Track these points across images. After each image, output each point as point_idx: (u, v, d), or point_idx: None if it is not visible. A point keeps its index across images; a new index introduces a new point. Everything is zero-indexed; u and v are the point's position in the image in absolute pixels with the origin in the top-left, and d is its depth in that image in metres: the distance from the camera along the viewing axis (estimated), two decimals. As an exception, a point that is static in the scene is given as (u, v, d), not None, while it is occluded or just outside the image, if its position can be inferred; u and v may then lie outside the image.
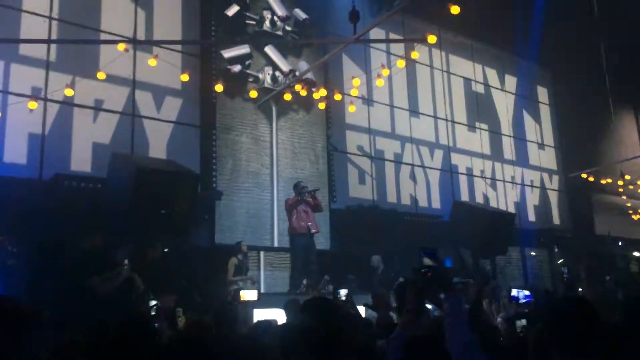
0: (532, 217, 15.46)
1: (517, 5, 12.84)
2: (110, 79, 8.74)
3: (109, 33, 9.20)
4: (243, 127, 10.30)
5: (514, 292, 4.10)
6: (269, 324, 4.08)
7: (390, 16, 10.13)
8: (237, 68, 10.13)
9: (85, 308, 5.39)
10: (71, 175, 8.34)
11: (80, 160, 8.69)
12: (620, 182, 14.74)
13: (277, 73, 10.57)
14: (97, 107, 9.01)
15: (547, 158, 16.67)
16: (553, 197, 16.37)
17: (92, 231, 5.90)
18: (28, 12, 8.67)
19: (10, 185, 7.76)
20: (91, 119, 8.98)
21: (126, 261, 5.92)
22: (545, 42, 14.53)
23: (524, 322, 3.66)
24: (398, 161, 12.87)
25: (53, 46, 8.71)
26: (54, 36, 8.78)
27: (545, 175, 16.35)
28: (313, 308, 2.38)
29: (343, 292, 5.29)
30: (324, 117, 11.29)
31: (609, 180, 15.07)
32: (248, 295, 5.05)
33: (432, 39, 7.57)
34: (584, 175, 14.76)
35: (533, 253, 14.74)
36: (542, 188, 16.11)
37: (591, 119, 15.78)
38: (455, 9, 6.88)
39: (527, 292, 4.10)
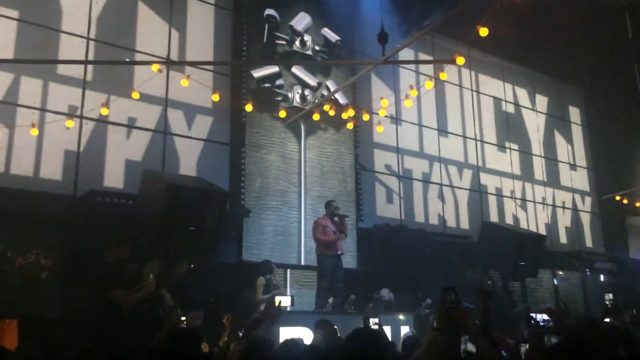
0: (563, 239, 15.12)
1: (547, 25, 12.71)
2: (144, 97, 8.95)
3: (144, 53, 9.47)
4: (272, 145, 10.40)
5: (532, 315, 4.02)
6: (297, 345, 4.04)
7: (419, 36, 10.19)
8: (266, 86, 10.28)
9: (113, 322, 5.47)
10: (104, 191, 8.51)
11: (113, 177, 8.90)
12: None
13: (307, 92, 10.67)
14: (131, 125, 9.24)
15: (580, 179, 16.33)
16: (585, 219, 15.99)
17: (117, 245, 6.00)
18: (67, 32, 8.98)
19: (45, 200, 8.00)
20: (124, 136, 9.19)
21: (152, 275, 5.97)
22: (578, 61, 14.34)
23: (527, 346, 3.59)
24: (426, 180, 12.79)
25: (90, 66, 8.98)
26: (91, 56, 9.06)
27: (578, 197, 16.01)
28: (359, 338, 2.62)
29: (373, 320, 5.34)
30: (352, 136, 11.31)
31: (645, 203, 14.67)
32: (283, 300, 5.03)
33: (460, 60, 7.51)
34: (618, 197, 14.42)
35: (561, 272, 14.35)
36: (574, 209, 15.77)
37: (625, 139, 15.45)
38: (484, 31, 6.83)
39: (545, 317, 4.01)
